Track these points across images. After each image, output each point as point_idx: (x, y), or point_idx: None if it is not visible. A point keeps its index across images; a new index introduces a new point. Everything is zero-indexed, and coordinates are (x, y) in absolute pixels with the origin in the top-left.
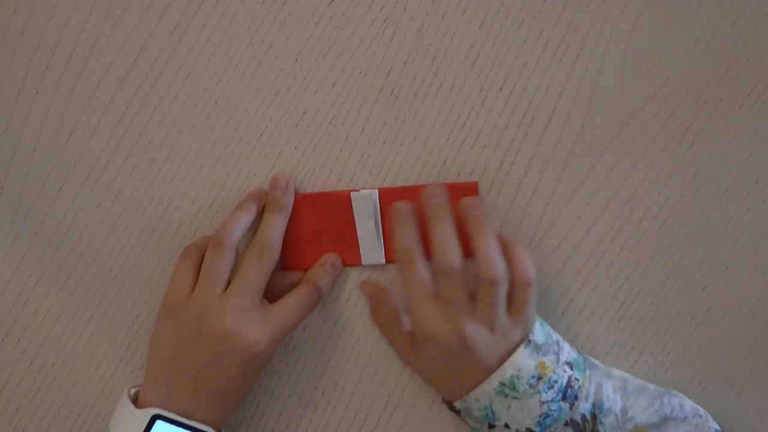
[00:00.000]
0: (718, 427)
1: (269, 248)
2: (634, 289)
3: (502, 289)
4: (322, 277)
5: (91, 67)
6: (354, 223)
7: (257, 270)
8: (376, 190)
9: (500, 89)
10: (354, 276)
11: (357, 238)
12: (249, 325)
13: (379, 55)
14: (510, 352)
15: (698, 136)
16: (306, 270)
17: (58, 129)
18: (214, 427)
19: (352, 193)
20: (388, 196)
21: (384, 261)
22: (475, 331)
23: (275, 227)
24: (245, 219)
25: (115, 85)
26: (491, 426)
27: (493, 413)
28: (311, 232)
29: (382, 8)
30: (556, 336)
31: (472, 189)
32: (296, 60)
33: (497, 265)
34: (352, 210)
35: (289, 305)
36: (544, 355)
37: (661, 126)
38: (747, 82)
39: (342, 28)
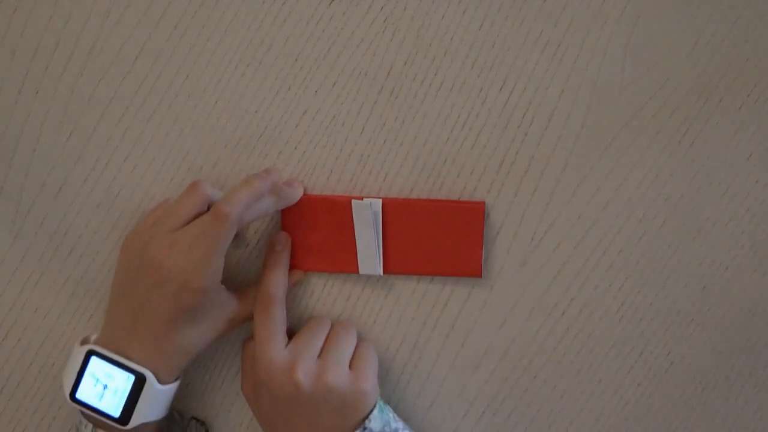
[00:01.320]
0: None
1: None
2: (634, 289)
3: (344, 346)
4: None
5: (91, 67)
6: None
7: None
8: (380, 201)
9: (500, 89)
10: (353, 276)
11: (356, 246)
12: (185, 259)
13: (379, 55)
14: (347, 425)
15: (698, 136)
16: (306, 271)
17: (58, 129)
18: (150, 370)
19: (352, 201)
20: (392, 207)
21: (381, 273)
22: (307, 377)
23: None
24: (243, 191)
25: (115, 85)
26: None
27: None
28: (312, 234)
29: (382, 8)
30: (395, 424)
31: (479, 209)
32: (296, 60)
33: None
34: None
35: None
36: None
37: (661, 126)
38: (747, 82)
39: (342, 28)
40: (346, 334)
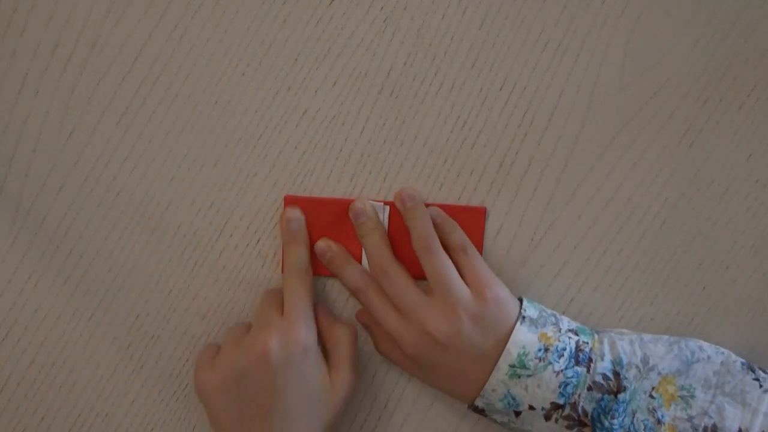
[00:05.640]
0: (744, 360)
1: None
2: (634, 289)
3: (441, 257)
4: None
5: (91, 67)
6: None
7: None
8: (387, 207)
9: (500, 89)
10: None
11: (362, 250)
12: (281, 331)
13: (379, 55)
14: (501, 333)
15: (698, 136)
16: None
17: (58, 129)
18: None
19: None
20: (396, 212)
21: None
22: (437, 323)
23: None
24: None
25: (115, 85)
26: (517, 414)
27: (513, 399)
28: (319, 237)
29: (382, 8)
30: (549, 310)
31: (479, 214)
32: (296, 60)
33: (430, 237)
34: None
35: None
36: (543, 327)
37: (661, 126)
38: (747, 82)
39: (342, 28)
40: (438, 261)
